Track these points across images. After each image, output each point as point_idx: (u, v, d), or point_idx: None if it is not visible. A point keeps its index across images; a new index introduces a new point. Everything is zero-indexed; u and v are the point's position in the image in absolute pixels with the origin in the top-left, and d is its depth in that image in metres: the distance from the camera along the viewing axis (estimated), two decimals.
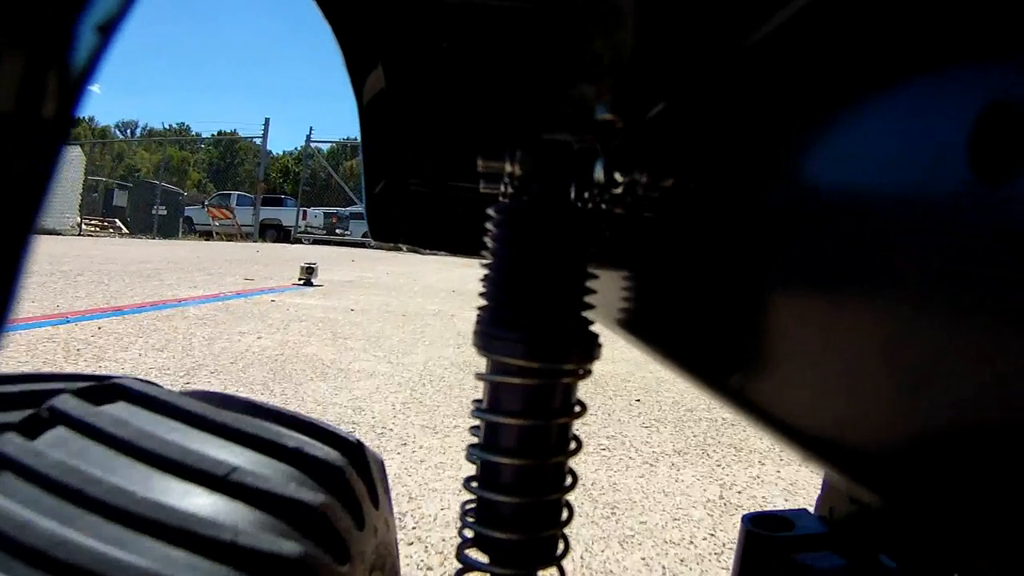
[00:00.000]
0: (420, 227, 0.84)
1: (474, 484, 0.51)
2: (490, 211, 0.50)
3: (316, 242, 21.54)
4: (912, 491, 0.18)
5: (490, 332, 0.48)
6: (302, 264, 7.73)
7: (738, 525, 0.52)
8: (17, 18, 0.14)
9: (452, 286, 8.83)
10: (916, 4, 0.20)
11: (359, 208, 22.03)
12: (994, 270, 0.16)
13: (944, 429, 0.17)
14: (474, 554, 0.52)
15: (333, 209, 24.47)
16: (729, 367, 0.31)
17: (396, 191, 0.78)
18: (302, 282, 7.54)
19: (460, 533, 0.53)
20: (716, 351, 0.33)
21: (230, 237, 21.26)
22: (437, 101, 0.60)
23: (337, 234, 22.98)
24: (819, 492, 0.55)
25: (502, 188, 0.55)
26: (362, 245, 20.56)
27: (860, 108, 0.23)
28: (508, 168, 0.51)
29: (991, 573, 0.16)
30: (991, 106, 0.16)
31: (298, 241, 21.42)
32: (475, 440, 0.52)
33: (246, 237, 21.22)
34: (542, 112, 0.55)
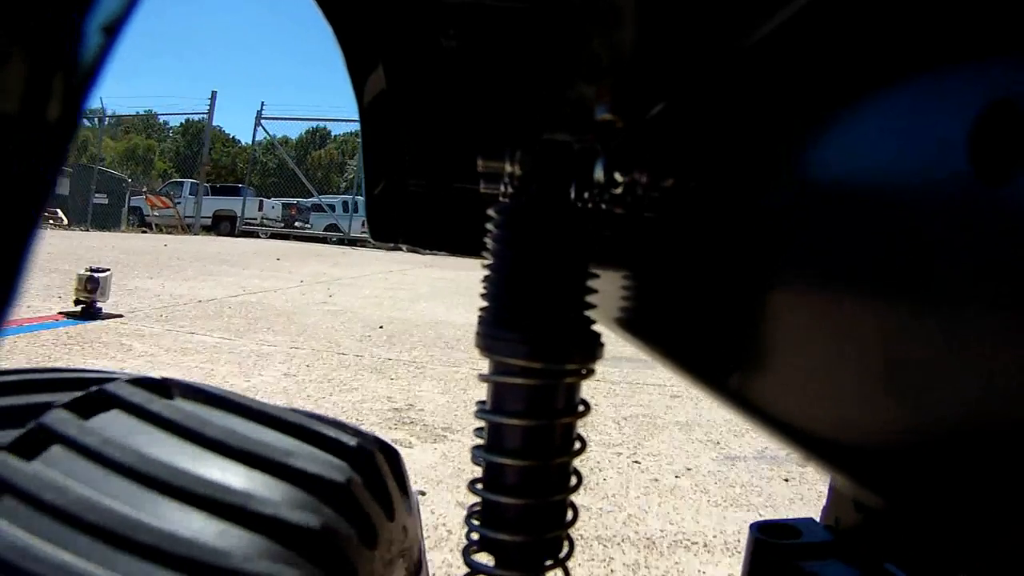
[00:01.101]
0: (420, 227, 0.84)
1: (478, 486, 0.51)
2: (490, 211, 0.50)
3: (274, 236, 19.14)
4: (915, 494, 0.18)
5: (492, 333, 0.48)
6: (79, 272, 4.31)
7: None
8: (22, 19, 0.14)
9: (391, 310, 5.22)
10: (916, 3, 0.20)
11: (319, 199, 20.36)
12: (996, 269, 0.15)
13: (943, 430, 0.17)
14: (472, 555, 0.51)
15: (292, 200, 22.03)
16: (729, 367, 0.31)
17: (396, 191, 0.78)
18: (79, 309, 4.20)
19: (467, 536, 0.53)
20: (716, 351, 0.33)
21: (171, 230, 18.04)
22: (437, 101, 0.60)
23: (296, 227, 20.65)
24: (825, 501, 0.55)
25: (502, 188, 0.55)
26: (323, 240, 18.79)
27: (860, 108, 0.23)
28: (508, 168, 0.51)
29: None
30: (992, 105, 0.16)
31: (252, 235, 18.88)
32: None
33: (187, 229, 18.12)
34: (542, 112, 0.55)
